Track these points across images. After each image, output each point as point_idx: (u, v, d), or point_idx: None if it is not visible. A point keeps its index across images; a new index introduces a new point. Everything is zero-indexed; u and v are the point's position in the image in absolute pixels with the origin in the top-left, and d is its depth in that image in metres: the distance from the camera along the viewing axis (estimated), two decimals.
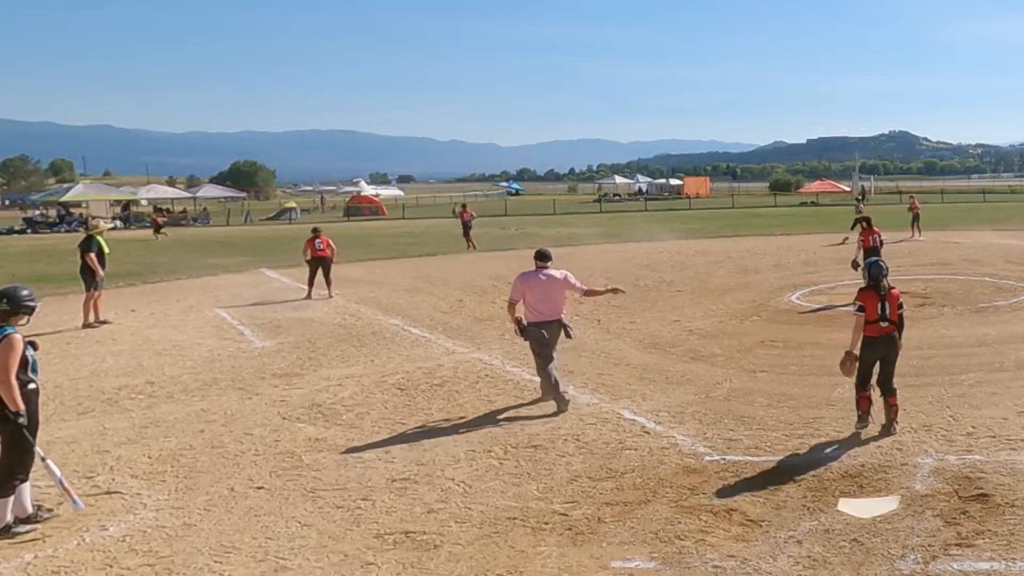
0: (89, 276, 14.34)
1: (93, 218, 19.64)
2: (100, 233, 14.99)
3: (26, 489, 5.87)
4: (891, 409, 7.54)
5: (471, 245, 27.43)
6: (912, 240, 26.90)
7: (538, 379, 8.86)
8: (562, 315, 8.70)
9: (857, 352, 7.49)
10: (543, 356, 8.53)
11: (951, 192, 71.52)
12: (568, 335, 8.79)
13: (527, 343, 8.77)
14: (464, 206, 30.52)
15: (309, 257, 17.20)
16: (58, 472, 5.89)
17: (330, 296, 16.76)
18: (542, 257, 8.75)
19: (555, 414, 8.35)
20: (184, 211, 56.85)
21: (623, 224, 40.54)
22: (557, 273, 8.71)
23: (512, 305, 8.66)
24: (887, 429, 7.48)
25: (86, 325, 13.92)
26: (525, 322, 8.59)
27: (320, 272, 17.06)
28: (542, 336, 8.51)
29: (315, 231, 17.74)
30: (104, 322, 14.15)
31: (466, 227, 27.95)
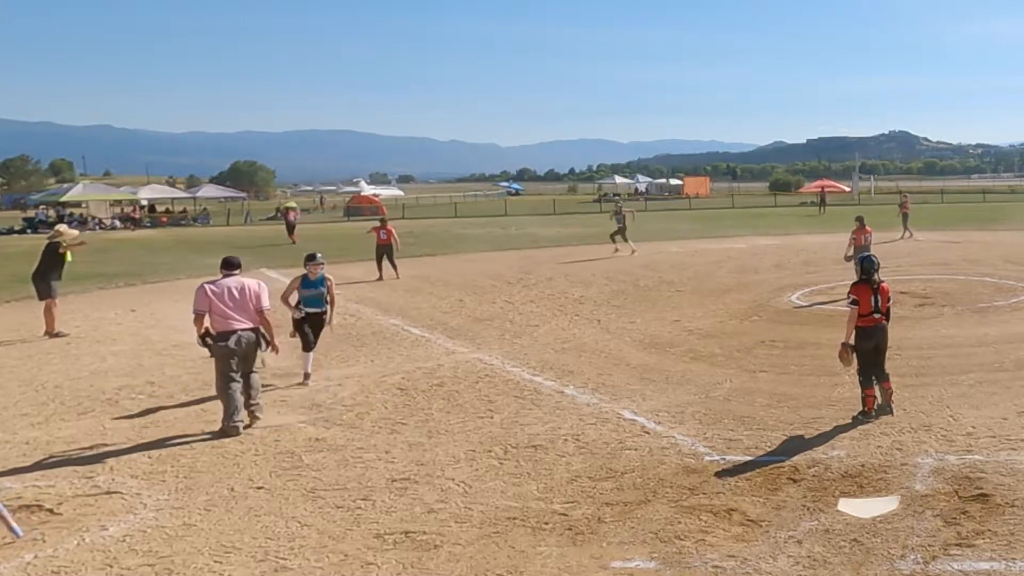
0: (42, 283, 13.28)
1: (59, 224, 18.12)
2: (65, 240, 13.63)
3: None
4: (887, 392, 8.06)
5: (293, 241, 31.17)
6: (903, 239, 26.86)
7: (537, 379, 8.80)
8: (257, 325, 8.17)
9: (852, 342, 7.95)
10: (223, 373, 7.93)
11: (951, 192, 71.54)
12: (264, 347, 8.26)
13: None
14: (288, 209, 36.83)
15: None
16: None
17: (396, 277, 19.58)
18: (229, 265, 8.27)
19: (228, 431, 7.83)
20: (184, 211, 56.86)
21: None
22: (250, 282, 8.31)
23: (199, 317, 7.95)
24: (884, 410, 7.98)
25: (52, 334, 13.04)
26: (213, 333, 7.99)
27: (385, 257, 19.97)
28: (227, 350, 7.92)
29: (382, 221, 20.80)
30: (58, 334, 13.11)
31: (291, 226, 32.59)
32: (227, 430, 7.85)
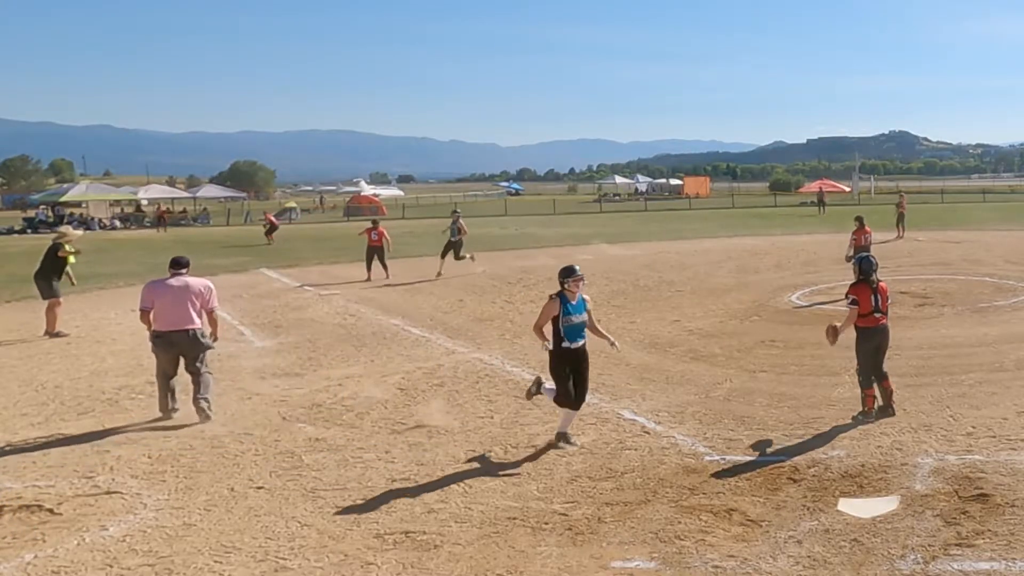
0: (44, 282, 13.34)
1: (62, 226, 18.33)
2: (68, 242, 13.78)
3: None
4: (887, 392, 8.06)
5: (271, 240, 32.81)
6: (898, 239, 26.85)
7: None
8: (196, 326, 8.27)
9: (838, 326, 8.08)
10: (159, 368, 8.36)
11: (951, 192, 71.55)
12: (204, 345, 8.37)
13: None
14: (269, 213, 39.17)
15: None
16: None
17: (387, 277, 19.50)
18: (177, 264, 8.43)
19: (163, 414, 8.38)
20: (184, 211, 56.89)
21: (623, 224, 40.55)
22: (195, 282, 8.40)
23: (144, 313, 8.27)
24: (885, 411, 7.96)
25: (53, 334, 13.08)
26: (158, 331, 8.23)
27: (376, 258, 19.97)
28: (160, 351, 8.24)
29: (374, 223, 20.72)
30: (58, 334, 13.16)
31: (273, 227, 34.11)
32: (163, 413, 8.38)
